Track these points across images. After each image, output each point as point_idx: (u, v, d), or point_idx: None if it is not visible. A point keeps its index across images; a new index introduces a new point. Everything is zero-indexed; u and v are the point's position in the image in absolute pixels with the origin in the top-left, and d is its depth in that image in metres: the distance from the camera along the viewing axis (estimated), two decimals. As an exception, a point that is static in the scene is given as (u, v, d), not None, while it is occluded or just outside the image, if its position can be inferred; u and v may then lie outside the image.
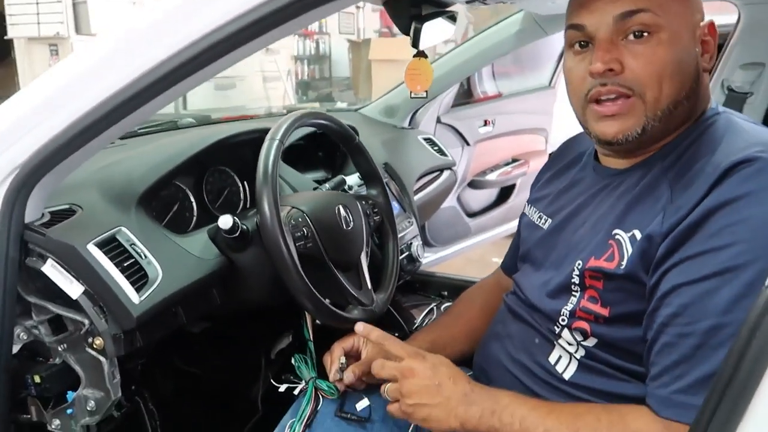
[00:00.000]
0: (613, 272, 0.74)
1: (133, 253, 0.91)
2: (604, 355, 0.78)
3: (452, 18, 1.35)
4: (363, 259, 1.11)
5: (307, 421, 0.99)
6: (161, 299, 0.89)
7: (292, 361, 1.08)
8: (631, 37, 0.74)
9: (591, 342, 0.79)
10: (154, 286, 0.89)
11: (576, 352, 0.81)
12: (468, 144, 2.49)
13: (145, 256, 0.92)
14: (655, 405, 0.68)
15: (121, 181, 1.00)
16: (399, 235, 1.41)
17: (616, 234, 0.76)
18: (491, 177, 2.66)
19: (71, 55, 0.83)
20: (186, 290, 0.94)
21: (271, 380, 1.09)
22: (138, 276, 0.89)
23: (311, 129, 1.44)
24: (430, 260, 2.35)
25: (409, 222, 1.51)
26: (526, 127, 2.82)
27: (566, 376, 0.81)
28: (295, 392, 1.04)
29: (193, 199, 1.16)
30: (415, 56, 1.35)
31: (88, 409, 0.91)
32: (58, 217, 0.90)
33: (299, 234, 0.97)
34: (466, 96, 2.65)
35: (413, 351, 0.85)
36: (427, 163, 1.91)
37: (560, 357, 0.83)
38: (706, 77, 0.79)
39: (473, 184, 2.62)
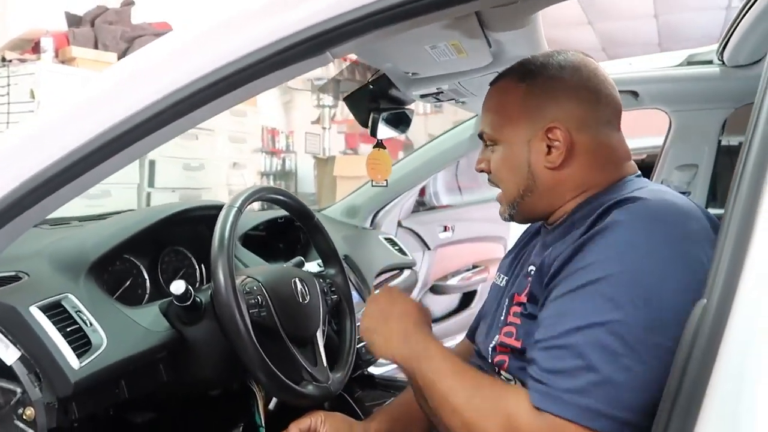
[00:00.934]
0: (525, 303, 0.83)
1: (78, 319, 0.87)
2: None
3: (409, 112, 1.45)
4: (319, 336, 1.09)
5: None
6: (103, 367, 0.85)
7: None
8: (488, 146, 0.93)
9: (508, 376, 0.85)
10: (97, 353, 0.85)
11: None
12: (429, 248, 2.53)
13: (91, 324, 0.89)
14: (529, 389, 0.73)
15: (72, 251, 0.99)
16: (358, 323, 1.40)
17: (530, 269, 0.86)
18: (452, 282, 2.68)
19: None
20: (131, 360, 0.90)
21: None
22: (81, 342, 0.85)
23: (273, 216, 1.46)
24: (393, 366, 2.30)
25: (368, 311, 1.50)
26: (484, 235, 2.91)
27: None
28: None
29: (147, 276, 1.14)
30: (375, 147, 1.42)
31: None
32: (1, 282, 0.87)
33: (253, 301, 0.96)
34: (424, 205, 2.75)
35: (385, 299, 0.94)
36: (388, 260, 1.93)
37: None
38: (572, 166, 0.86)
39: (434, 290, 2.63)
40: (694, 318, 0.50)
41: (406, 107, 1.46)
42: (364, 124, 1.38)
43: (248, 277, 1.00)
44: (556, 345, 0.71)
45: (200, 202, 1.20)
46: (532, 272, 0.84)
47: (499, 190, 0.94)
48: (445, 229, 2.64)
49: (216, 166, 4.14)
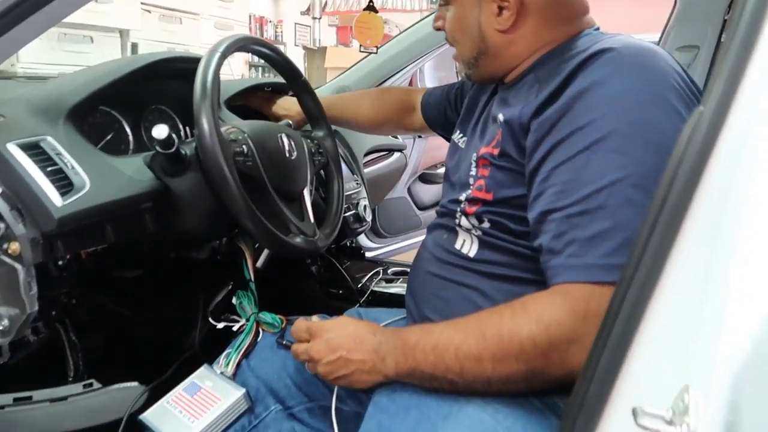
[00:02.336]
0: (496, 155, 0.81)
1: (59, 161, 0.85)
2: (497, 232, 0.82)
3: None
4: (306, 194, 1.08)
5: (245, 352, 0.95)
6: (87, 207, 0.84)
7: (233, 299, 1.04)
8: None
9: (486, 225, 0.84)
10: (80, 193, 0.84)
11: (475, 232, 0.85)
12: (419, 136, 2.50)
13: (72, 167, 0.87)
14: (552, 276, 0.70)
15: (50, 95, 0.95)
16: (346, 193, 1.39)
17: (497, 121, 0.83)
18: (441, 171, 2.68)
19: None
20: (115, 205, 0.89)
21: (210, 320, 1.05)
22: (63, 183, 0.83)
23: (260, 83, 1.41)
24: (382, 251, 2.34)
25: (357, 183, 1.49)
26: (476, 125, 2.87)
27: (471, 254, 0.85)
28: (235, 329, 1.00)
29: (129, 132, 1.12)
30: (365, 9, 1.36)
31: (1, 328, 0.84)
32: (-24, 122, 0.84)
33: (238, 149, 0.93)
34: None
35: (316, 327, 0.83)
36: (378, 140, 1.90)
37: (464, 241, 0.88)
38: (526, 25, 0.84)
39: (424, 178, 2.63)
40: (690, 125, 0.49)
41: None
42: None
43: (233, 127, 0.98)
44: (580, 211, 0.68)
45: (184, 53, 1.15)
46: (501, 123, 0.82)
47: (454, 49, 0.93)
48: (437, 117, 2.60)
49: (200, 52, 3.99)
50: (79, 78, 0.99)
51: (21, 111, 0.91)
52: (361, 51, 1.39)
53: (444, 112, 1.23)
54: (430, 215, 2.69)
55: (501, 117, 0.82)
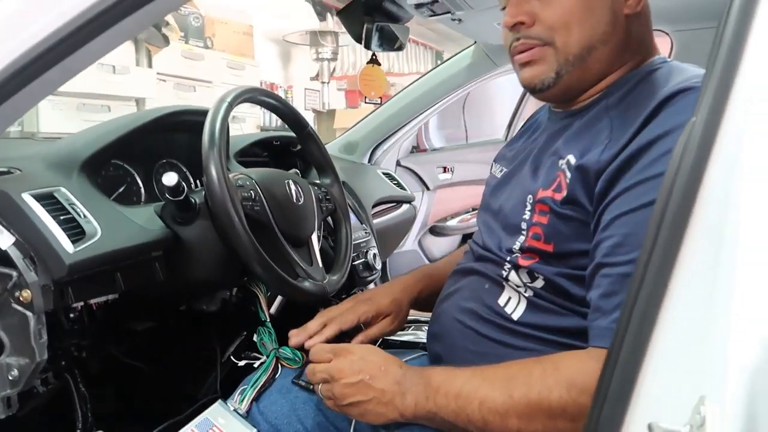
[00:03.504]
0: (559, 201, 0.74)
1: (71, 210, 0.87)
2: (550, 295, 0.77)
3: (403, 29, 1.42)
4: (314, 239, 1.09)
5: (260, 388, 0.93)
6: (98, 254, 0.85)
7: (254, 336, 1.03)
8: None
9: (539, 283, 0.78)
10: (92, 240, 0.86)
11: (525, 292, 0.79)
12: (428, 188, 2.53)
13: (84, 216, 0.89)
14: (594, 337, 0.67)
15: (63, 150, 0.99)
16: (355, 242, 1.40)
17: (561, 163, 0.77)
18: (452, 223, 2.69)
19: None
20: (125, 252, 0.90)
21: (232, 358, 1.04)
22: (75, 231, 0.85)
23: (269, 136, 1.45)
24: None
25: (366, 232, 1.50)
26: (484, 177, 2.89)
27: (515, 316, 0.80)
28: (256, 365, 0.99)
29: (141, 185, 1.14)
30: (368, 63, 1.40)
31: (10, 378, 0.84)
32: (-7, 175, 0.87)
33: (246, 195, 0.95)
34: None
35: (341, 348, 0.83)
36: (386, 192, 1.92)
37: (509, 298, 0.81)
38: (637, 22, 0.79)
39: (434, 231, 2.64)
40: (684, 137, 0.50)
41: (401, 23, 1.43)
42: (358, 38, 1.36)
43: (241, 174, 1.00)
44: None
45: (190, 107, 1.19)
46: (568, 167, 0.74)
47: (540, 47, 0.79)
48: (445, 170, 2.63)
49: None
50: (92, 133, 1.03)
51: (37, 165, 0.94)
52: (366, 103, 1.43)
53: None
54: (443, 267, 2.67)
55: (572, 160, 0.74)
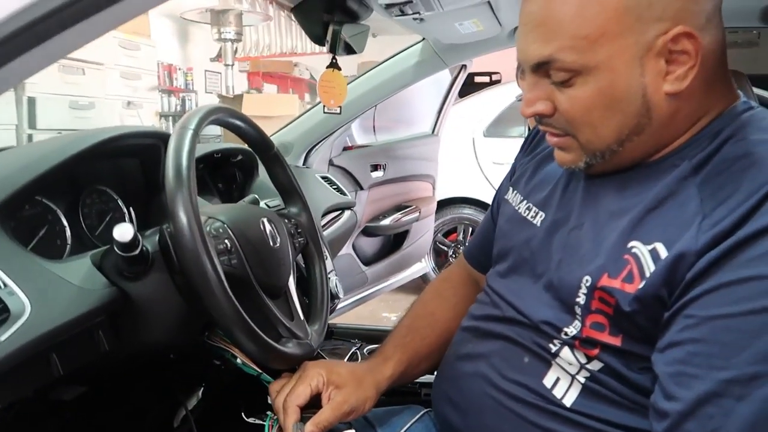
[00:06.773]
0: (632, 295, 0.61)
1: (-13, 281, 0.65)
2: (611, 380, 0.65)
3: (363, 28, 1.26)
4: (291, 285, 0.92)
5: None
6: (29, 341, 0.64)
7: (266, 420, 0.86)
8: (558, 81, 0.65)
9: (596, 366, 0.66)
10: (19, 323, 0.64)
11: (578, 374, 0.68)
12: (362, 188, 2.39)
13: (5, 285, 0.67)
14: None
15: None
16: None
17: (632, 247, 0.63)
18: (385, 222, 2.57)
19: None
20: (63, 329, 0.69)
21: (243, 416, 0.87)
22: (-6, 311, 0.63)
23: (209, 150, 1.24)
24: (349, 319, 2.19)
25: (324, 257, 1.34)
26: (414, 173, 2.80)
27: (567, 402, 0.68)
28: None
29: (66, 223, 0.91)
30: (328, 68, 1.23)
31: None
32: None
33: (222, 247, 0.77)
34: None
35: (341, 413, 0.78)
36: (330, 200, 1.77)
37: (558, 379, 0.69)
38: (688, 94, 0.64)
39: (367, 231, 2.51)
40: None
41: (361, 22, 1.27)
42: (318, 40, 1.18)
43: (209, 217, 0.81)
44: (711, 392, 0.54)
45: (126, 129, 0.96)
46: (653, 256, 0.61)
47: (563, 136, 0.69)
48: (377, 167, 2.51)
49: (108, 105, 3.69)
50: (8, 168, 0.79)
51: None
52: (325, 113, 1.26)
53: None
54: (375, 270, 2.56)
55: (660, 250, 0.60)
